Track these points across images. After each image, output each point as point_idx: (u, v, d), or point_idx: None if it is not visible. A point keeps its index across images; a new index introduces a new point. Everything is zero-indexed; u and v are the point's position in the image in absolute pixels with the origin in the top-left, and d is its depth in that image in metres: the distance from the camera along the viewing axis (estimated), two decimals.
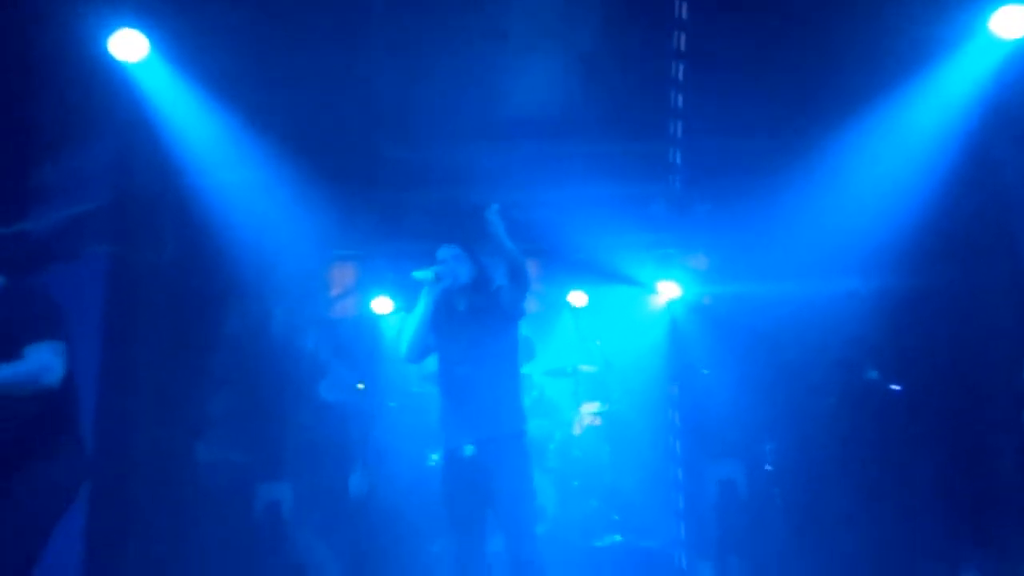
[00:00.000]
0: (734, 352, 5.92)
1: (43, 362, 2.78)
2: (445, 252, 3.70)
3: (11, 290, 2.91)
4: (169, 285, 4.25)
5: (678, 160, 4.90)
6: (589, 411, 6.27)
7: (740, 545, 5.54)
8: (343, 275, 6.13)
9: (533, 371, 6.09)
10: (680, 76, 4.40)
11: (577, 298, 6.47)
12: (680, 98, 4.50)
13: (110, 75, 4.00)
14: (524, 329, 4.97)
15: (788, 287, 5.54)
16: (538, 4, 3.99)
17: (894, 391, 5.18)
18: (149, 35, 3.95)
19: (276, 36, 4.00)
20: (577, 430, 6.28)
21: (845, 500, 5.11)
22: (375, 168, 4.82)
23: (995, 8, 4.06)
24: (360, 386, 5.62)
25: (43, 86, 4.05)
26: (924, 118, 4.49)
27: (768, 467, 5.70)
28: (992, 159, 4.53)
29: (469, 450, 3.56)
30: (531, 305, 3.99)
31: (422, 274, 3.62)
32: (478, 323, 3.64)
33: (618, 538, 5.68)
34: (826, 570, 4.96)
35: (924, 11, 4.06)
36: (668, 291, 6.32)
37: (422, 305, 3.62)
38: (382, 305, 6.11)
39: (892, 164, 4.70)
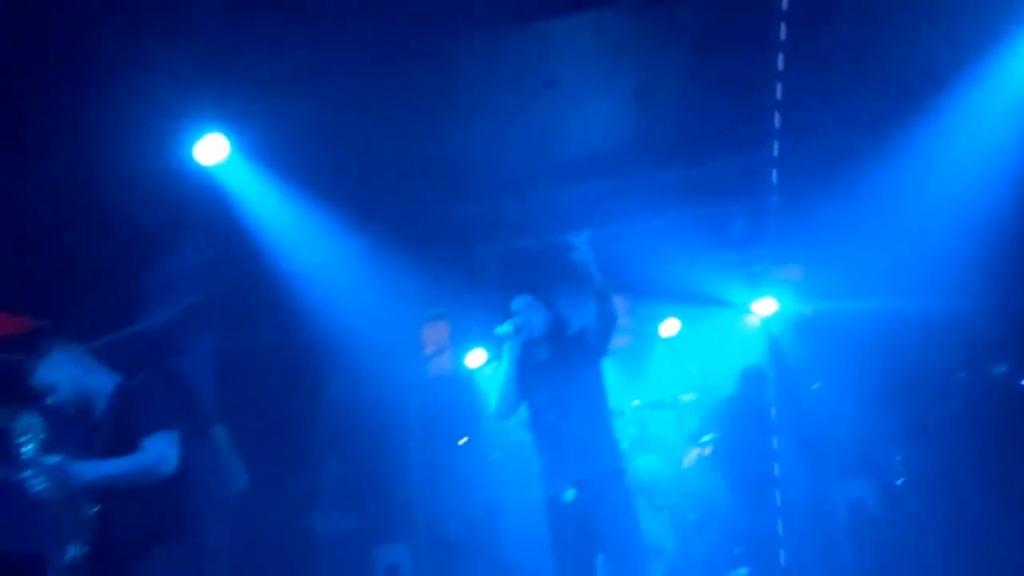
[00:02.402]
0: (845, 363, 5.66)
1: (159, 452, 2.97)
2: (519, 303, 3.72)
3: (127, 389, 3.15)
4: (269, 367, 4.48)
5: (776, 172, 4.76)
6: (698, 442, 6.10)
7: (878, 569, 5.22)
8: (436, 333, 6.26)
9: (631, 406, 6.01)
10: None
11: (669, 327, 6.36)
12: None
13: (199, 178, 4.31)
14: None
15: (893, 291, 5.28)
16: (582, 49, 4.03)
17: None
18: (228, 136, 4.25)
19: (339, 115, 4.20)
20: (688, 463, 6.12)
21: (986, 505, 4.75)
22: (445, 225, 4.94)
23: None
24: (463, 441, 5.69)
25: (143, 197, 4.39)
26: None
27: (900, 480, 5.37)
28: None
29: (570, 494, 3.54)
30: (618, 341, 3.95)
31: (502, 329, 3.66)
32: (560, 369, 3.64)
33: (745, 571, 5.46)
34: None
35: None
36: (763, 308, 6.14)
37: (505, 360, 3.64)
38: (475, 358, 6.19)
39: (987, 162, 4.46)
